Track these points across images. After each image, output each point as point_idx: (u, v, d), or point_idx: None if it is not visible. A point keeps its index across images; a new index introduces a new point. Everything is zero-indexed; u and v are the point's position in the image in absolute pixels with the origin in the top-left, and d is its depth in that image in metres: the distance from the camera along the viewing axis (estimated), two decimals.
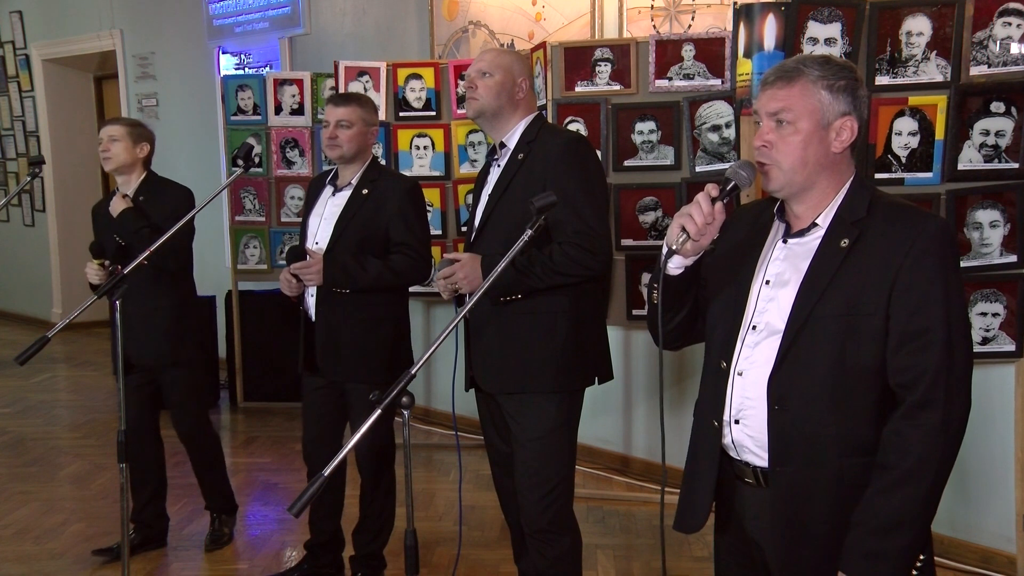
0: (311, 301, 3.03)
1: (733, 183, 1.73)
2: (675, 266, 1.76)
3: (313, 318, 3.04)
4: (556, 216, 2.30)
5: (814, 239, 1.68)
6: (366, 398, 2.96)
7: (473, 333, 2.59)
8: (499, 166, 2.57)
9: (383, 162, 4.58)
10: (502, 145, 2.57)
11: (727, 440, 1.74)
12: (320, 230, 3.04)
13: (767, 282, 1.71)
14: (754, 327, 1.71)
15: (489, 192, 2.57)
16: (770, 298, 1.70)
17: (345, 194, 3.03)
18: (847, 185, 1.69)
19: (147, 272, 3.26)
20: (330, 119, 2.98)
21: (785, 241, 1.72)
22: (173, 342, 3.39)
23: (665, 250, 1.72)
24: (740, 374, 1.71)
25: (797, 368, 1.64)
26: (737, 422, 1.72)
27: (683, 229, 1.68)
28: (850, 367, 1.61)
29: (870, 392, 1.61)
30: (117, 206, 3.30)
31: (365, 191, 2.99)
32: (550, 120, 3.85)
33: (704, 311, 1.85)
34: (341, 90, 4.57)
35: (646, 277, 3.78)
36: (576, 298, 2.49)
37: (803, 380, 1.63)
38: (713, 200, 1.69)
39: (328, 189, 3.08)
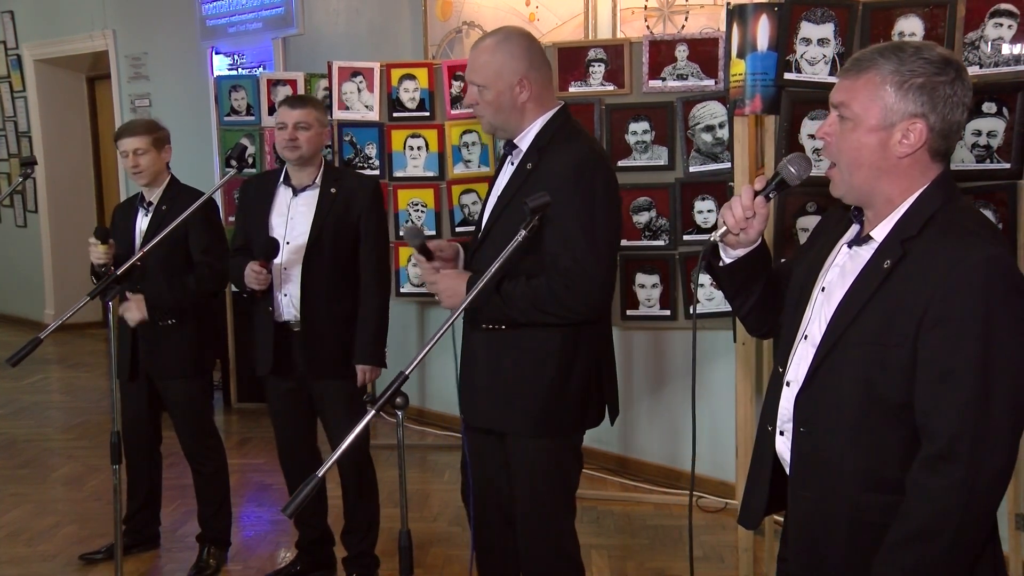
0: (284, 300, 3.03)
1: (780, 177, 1.64)
2: (727, 256, 1.72)
3: (290, 317, 3.03)
4: (550, 247, 2.19)
5: (866, 253, 1.55)
6: (340, 395, 3.02)
7: (465, 359, 2.41)
8: (512, 165, 2.36)
9: (377, 163, 4.59)
10: (514, 146, 2.35)
11: (777, 448, 1.66)
12: (289, 229, 3.03)
13: (822, 289, 1.61)
14: (805, 337, 1.61)
15: (497, 196, 2.37)
16: (821, 308, 1.59)
17: (311, 194, 3.05)
18: (917, 194, 1.51)
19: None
20: (287, 121, 3.00)
21: (851, 247, 1.60)
22: (193, 358, 3.31)
23: (709, 239, 1.70)
24: (788, 384, 1.62)
25: (823, 392, 1.53)
26: (782, 433, 1.63)
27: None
28: (875, 399, 1.48)
29: (896, 428, 1.47)
30: (134, 315, 3.17)
31: (333, 190, 3.03)
32: None
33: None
34: (334, 91, 4.57)
35: (640, 277, 3.79)
36: (569, 339, 2.26)
37: (827, 405, 1.53)
38: (756, 193, 1.62)
39: (285, 190, 3.07)
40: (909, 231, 1.49)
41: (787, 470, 1.64)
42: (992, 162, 3.02)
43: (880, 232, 1.53)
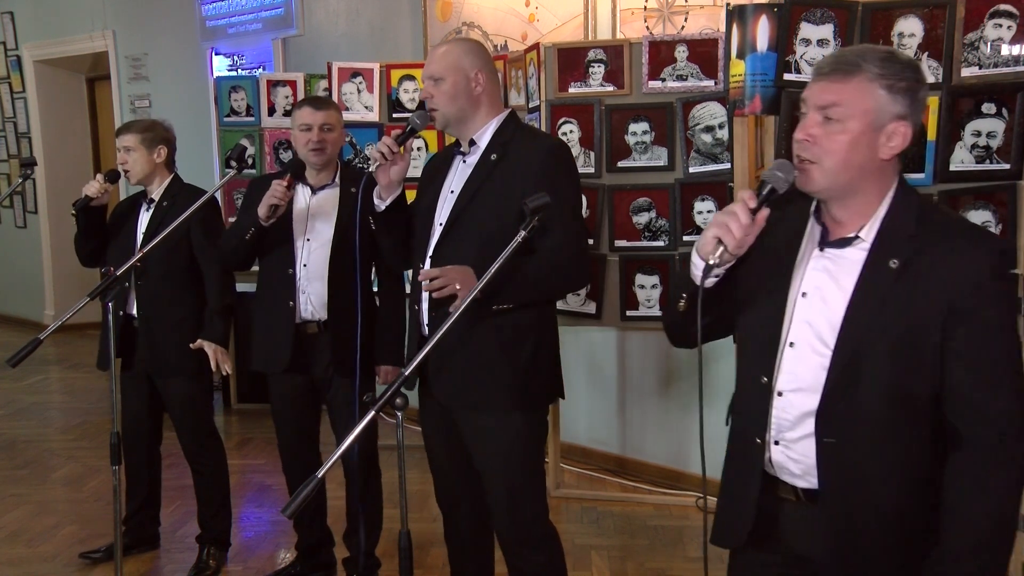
0: (303, 298, 3.01)
1: (770, 187, 1.59)
2: (714, 276, 1.63)
3: (309, 316, 3.01)
4: (546, 225, 2.19)
5: (856, 254, 1.56)
6: (349, 391, 3.00)
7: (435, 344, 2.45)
8: (466, 163, 2.42)
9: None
10: (472, 143, 2.41)
11: (767, 456, 1.64)
12: (310, 228, 3.02)
13: (803, 294, 1.60)
14: (792, 344, 1.59)
15: (458, 192, 2.39)
16: (808, 313, 1.58)
17: (331, 193, 3.04)
18: (890, 193, 1.57)
19: (175, 280, 3.24)
20: (312, 123, 2.95)
21: (822, 249, 1.60)
22: (194, 356, 3.27)
23: (702, 265, 1.58)
24: (780, 394, 1.61)
25: (847, 399, 1.53)
26: (777, 443, 1.62)
27: (719, 241, 1.56)
28: (903, 399, 1.51)
29: (924, 423, 1.52)
30: (226, 364, 3.29)
31: (352, 189, 3.01)
32: (544, 119, 3.86)
33: (732, 309, 1.70)
34: (334, 92, 4.57)
35: (640, 278, 3.79)
36: (543, 317, 2.42)
37: (854, 412, 1.53)
38: (752, 211, 1.56)
39: (303, 189, 3.04)
40: (906, 230, 1.53)
41: (783, 478, 1.63)
42: (992, 162, 3.03)
43: (868, 232, 1.56)
